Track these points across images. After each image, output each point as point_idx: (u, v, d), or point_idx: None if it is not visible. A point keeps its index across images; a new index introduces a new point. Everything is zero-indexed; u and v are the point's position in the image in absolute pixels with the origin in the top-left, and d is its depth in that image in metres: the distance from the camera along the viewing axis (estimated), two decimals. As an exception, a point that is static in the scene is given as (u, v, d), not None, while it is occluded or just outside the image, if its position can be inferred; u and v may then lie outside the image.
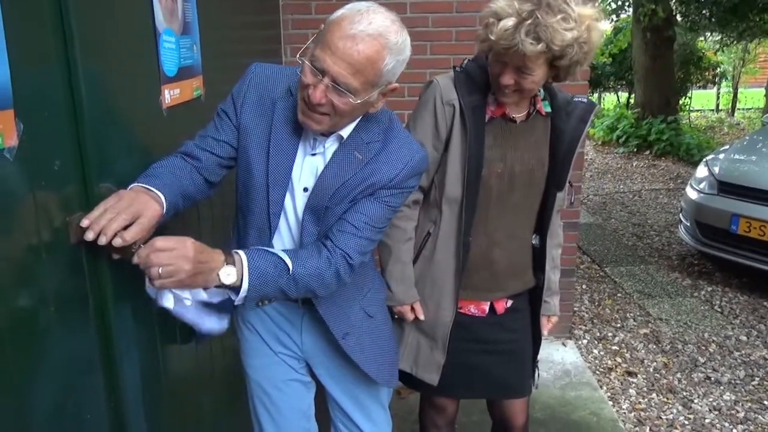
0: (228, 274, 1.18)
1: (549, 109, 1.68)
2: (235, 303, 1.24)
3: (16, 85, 0.93)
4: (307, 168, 1.35)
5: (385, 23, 1.16)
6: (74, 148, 1.11)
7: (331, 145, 1.34)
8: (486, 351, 1.78)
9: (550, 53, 1.43)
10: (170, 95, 1.51)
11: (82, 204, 1.13)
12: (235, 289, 1.21)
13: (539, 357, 1.92)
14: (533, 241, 1.77)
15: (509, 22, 1.40)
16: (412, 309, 1.73)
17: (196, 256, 1.12)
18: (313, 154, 1.35)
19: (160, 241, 1.11)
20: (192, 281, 1.15)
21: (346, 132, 1.33)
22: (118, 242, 1.08)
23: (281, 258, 1.25)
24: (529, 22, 1.38)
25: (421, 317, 1.72)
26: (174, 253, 1.11)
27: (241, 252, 1.22)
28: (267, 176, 1.33)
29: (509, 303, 1.78)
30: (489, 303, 1.76)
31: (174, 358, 1.56)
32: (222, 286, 1.20)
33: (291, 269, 1.24)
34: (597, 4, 1.50)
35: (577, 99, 1.71)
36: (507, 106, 1.62)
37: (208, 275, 1.17)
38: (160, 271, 1.09)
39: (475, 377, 1.80)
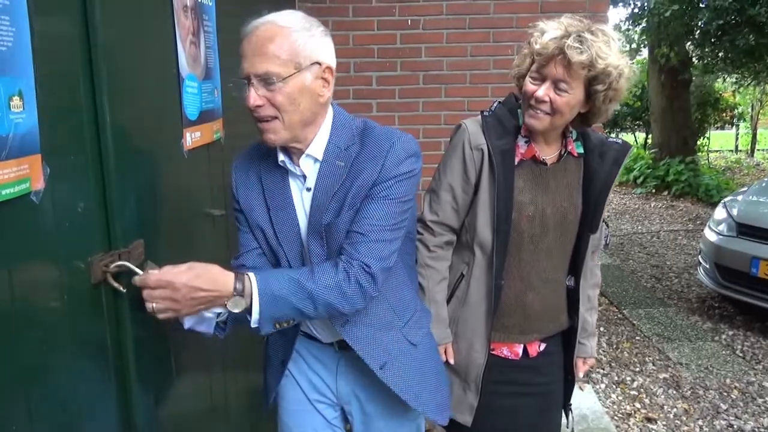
0: (235, 305, 1.19)
1: (581, 150, 1.67)
2: (251, 325, 1.22)
3: (44, 131, 0.98)
4: (309, 206, 1.37)
5: (275, 14, 1.23)
6: (98, 190, 1.15)
7: (314, 170, 1.33)
8: (518, 394, 1.75)
9: (592, 70, 1.46)
10: (191, 138, 1.56)
11: (103, 245, 1.16)
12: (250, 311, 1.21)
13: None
14: (568, 283, 1.74)
15: (556, 33, 1.47)
16: (446, 350, 1.71)
17: (188, 293, 1.13)
18: (309, 189, 1.35)
19: (154, 278, 1.13)
20: (191, 312, 1.17)
21: (318, 150, 1.32)
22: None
23: (293, 277, 1.24)
24: (575, 35, 1.45)
25: (451, 361, 1.71)
26: (165, 293, 1.13)
27: (251, 276, 1.21)
28: (279, 242, 1.37)
29: (542, 346, 1.75)
30: (522, 345, 1.73)
31: (190, 395, 1.57)
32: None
33: (305, 286, 1.22)
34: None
35: (611, 140, 1.70)
36: (537, 146, 1.62)
37: (215, 303, 1.18)
38: (153, 306, 1.14)
39: (505, 421, 1.76)
